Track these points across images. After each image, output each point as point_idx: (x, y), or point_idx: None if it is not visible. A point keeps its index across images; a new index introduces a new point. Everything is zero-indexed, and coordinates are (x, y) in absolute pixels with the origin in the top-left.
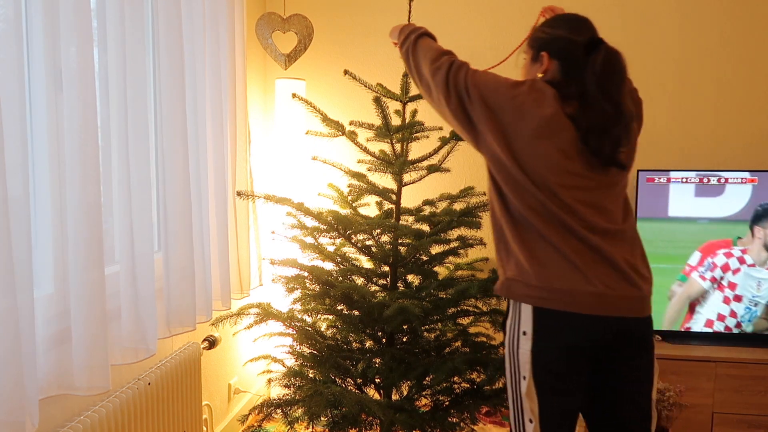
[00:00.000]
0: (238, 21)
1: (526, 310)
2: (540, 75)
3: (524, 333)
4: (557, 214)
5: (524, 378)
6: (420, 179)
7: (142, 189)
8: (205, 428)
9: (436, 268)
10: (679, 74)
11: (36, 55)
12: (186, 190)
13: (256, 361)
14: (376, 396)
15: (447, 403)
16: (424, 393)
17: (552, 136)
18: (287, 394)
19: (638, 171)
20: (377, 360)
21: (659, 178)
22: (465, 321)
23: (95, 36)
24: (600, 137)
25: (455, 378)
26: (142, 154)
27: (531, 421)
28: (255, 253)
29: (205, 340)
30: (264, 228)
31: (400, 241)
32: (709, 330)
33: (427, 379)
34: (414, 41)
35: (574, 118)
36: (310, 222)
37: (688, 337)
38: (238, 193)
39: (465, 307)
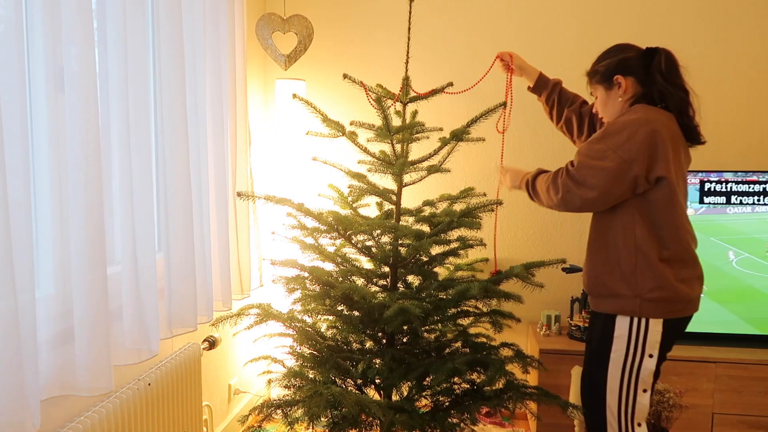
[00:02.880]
0: (238, 21)
1: (656, 327)
2: (620, 96)
3: (650, 356)
4: (686, 226)
5: (644, 391)
6: (420, 180)
7: (143, 189)
8: (205, 429)
9: (436, 269)
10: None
11: (37, 55)
12: (187, 190)
13: (256, 361)
14: (377, 397)
15: (447, 403)
16: (424, 393)
17: (674, 141)
18: (287, 395)
19: None
20: (377, 360)
21: None
22: (465, 322)
23: (96, 36)
24: (688, 116)
25: (455, 378)
26: (143, 155)
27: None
28: (255, 253)
29: (205, 340)
30: (264, 228)
31: (400, 242)
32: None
33: (427, 379)
34: (532, 179)
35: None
36: (311, 222)
37: (688, 337)
38: (239, 194)
39: (465, 308)
